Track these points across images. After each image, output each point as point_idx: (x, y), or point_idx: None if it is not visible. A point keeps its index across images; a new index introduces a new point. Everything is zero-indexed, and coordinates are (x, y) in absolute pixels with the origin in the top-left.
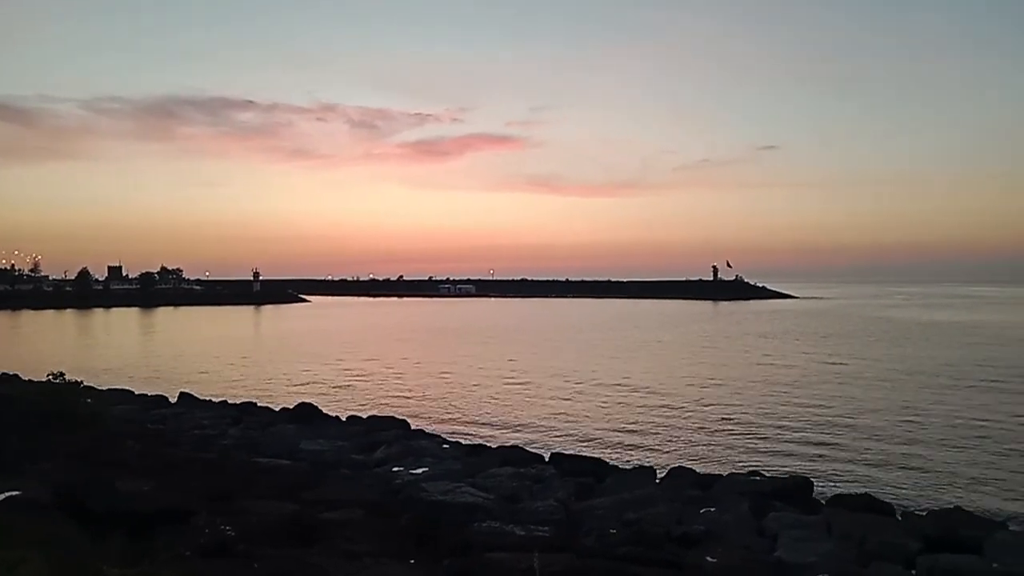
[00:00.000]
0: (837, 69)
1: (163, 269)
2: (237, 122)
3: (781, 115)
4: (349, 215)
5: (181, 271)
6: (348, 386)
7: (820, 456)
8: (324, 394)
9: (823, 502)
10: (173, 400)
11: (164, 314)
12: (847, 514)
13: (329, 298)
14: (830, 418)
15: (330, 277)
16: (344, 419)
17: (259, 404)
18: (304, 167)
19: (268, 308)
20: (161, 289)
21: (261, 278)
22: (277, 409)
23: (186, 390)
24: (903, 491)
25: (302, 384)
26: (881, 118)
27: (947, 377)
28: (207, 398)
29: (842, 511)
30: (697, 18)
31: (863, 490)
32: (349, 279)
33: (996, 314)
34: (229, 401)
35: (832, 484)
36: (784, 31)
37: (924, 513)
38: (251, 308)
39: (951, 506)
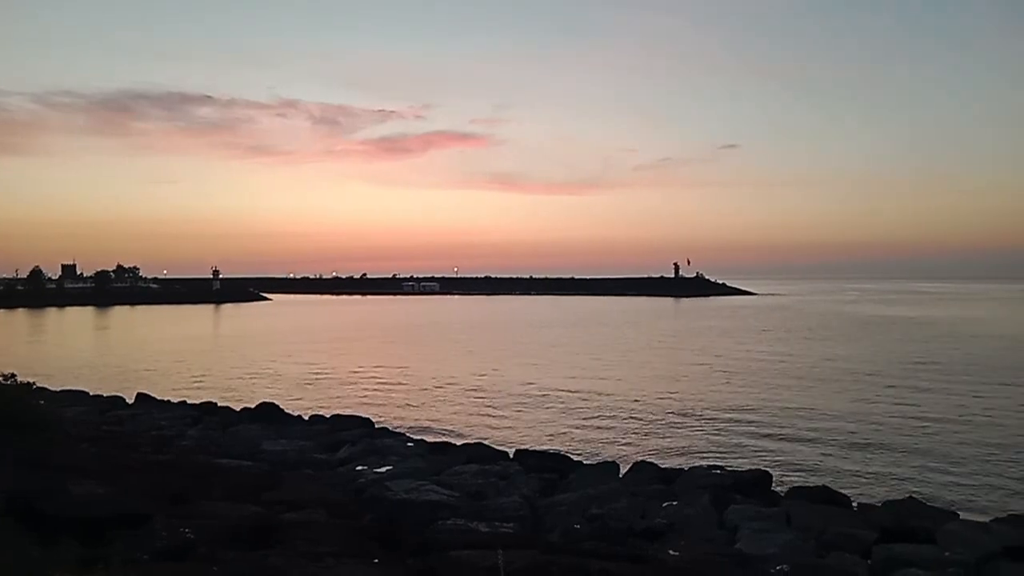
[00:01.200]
0: (795, 70)
1: (119, 267)
2: (194, 117)
3: (741, 115)
4: (311, 212)
5: (138, 269)
6: (311, 385)
7: (779, 449)
8: (286, 393)
9: (782, 494)
10: (130, 401)
11: (120, 313)
12: (805, 506)
13: (291, 296)
14: (788, 412)
15: (292, 275)
16: (307, 419)
17: (219, 404)
18: (264, 163)
19: (228, 307)
20: (117, 288)
21: (221, 276)
22: (238, 409)
23: (143, 391)
24: (859, 483)
25: (264, 384)
26: (838, 119)
27: (900, 372)
28: (165, 399)
29: (800, 503)
30: (659, 18)
31: (820, 482)
32: (312, 277)
33: (947, 310)
34: (188, 401)
35: (791, 477)
36: (744, 32)
37: (879, 504)
38: (211, 307)
39: (905, 497)
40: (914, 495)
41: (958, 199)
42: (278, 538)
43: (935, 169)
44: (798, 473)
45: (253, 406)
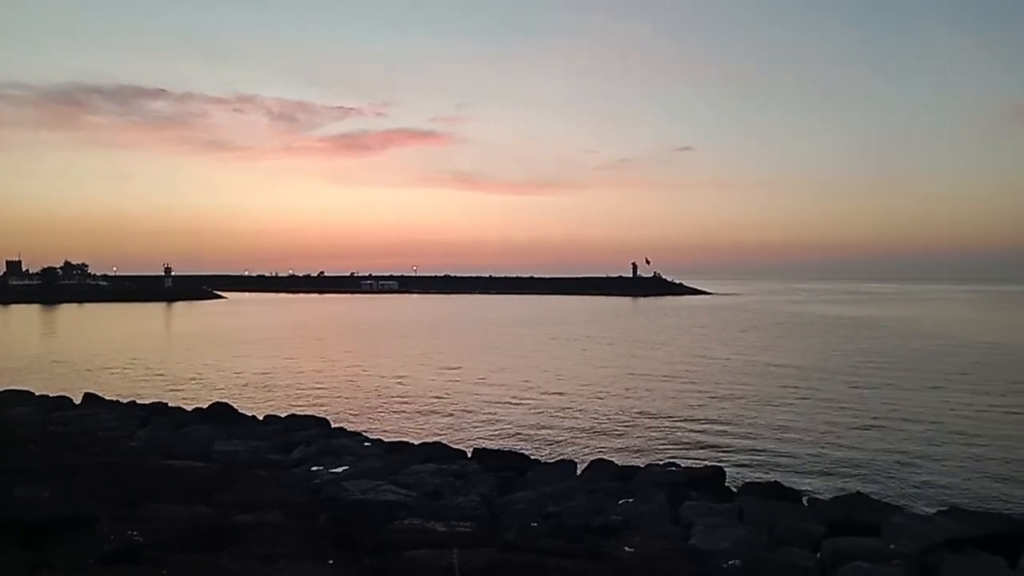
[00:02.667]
0: (750, 75)
1: (67, 264)
2: (148, 111)
3: (696, 118)
4: (268, 209)
5: (87, 266)
6: (266, 385)
7: (732, 446)
8: (240, 393)
9: (735, 490)
10: (77, 401)
11: (68, 311)
12: (757, 501)
13: (247, 294)
14: (741, 409)
15: (247, 273)
16: (261, 418)
17: (170, 404)
18: (220, 159)
19: (181, 305)
20: (64, 285)
21: (173, 274)
22: (190, 409)
23: (91, 390)
24: (809, 478)
25: (217, 383)
26: (791, 123)
27: (846, 370)
28: (114, 398)
29: (753, 498)
30: (619, 21)
31: (772, 478)
32: (268, 275)
33: (892, 310)
34: (138, 402)
35: (744, 473)
36: (701, 38)
37: (828, 499)
38: (162, 305)
39: (852, 492)
40: (861, 490)
41: (906, 203)
42: (231, 540)
43: (884, 173)
44: (751, 469)
45: (205, 406)
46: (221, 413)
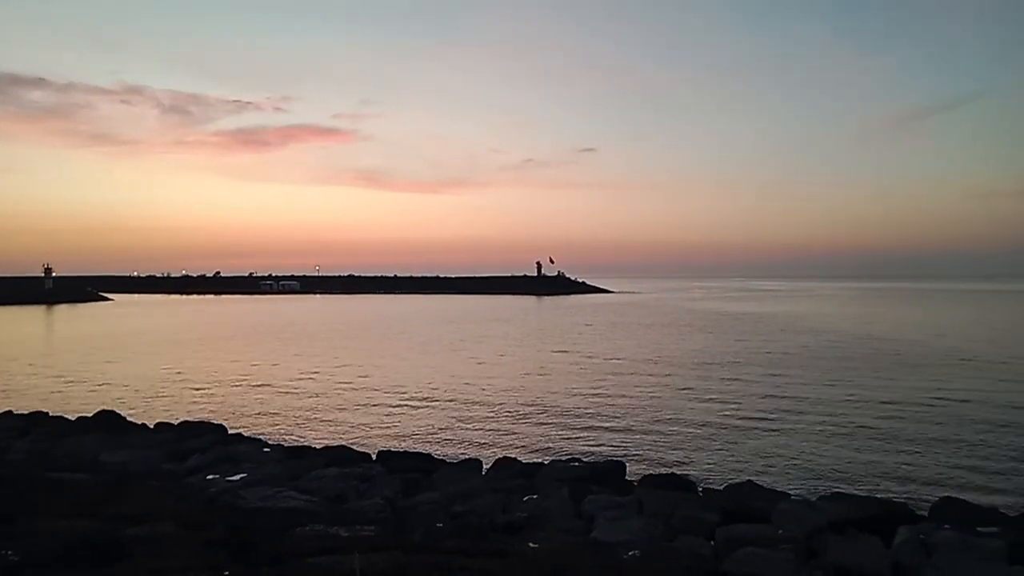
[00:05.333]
0: (651, 80)
1: None
2: (26, 101)
3: (600, 120)
4: (158, 206)
5: None
6: (157, 391)
7: (633, 440)
8: (129, 401)
9: (635, 483)
10: None
11: None
12: (656, 493)
13: (135, 296)
14: (641, 404)
15: (136, 274)
16: (152, 426)
17: (51, 414)
18: (106, 153)
19: (63, 308)
20: None
21: (54, 275)
22: (73, 419)
23: None
24: (703, 469)
25: (103, 391)
26: (689, 127)
27: (738, 363)
28: None
29: (651, 490)
30: (526, 23)
31: (670, 470)
32: (159, 276)
33: (780, 306)
34: (15, 411)
35: (643, 466)
36: (605, 43)
37: (722, 488)
38: (42, 308)
39: (744, 481)
40: (752, 479)
41: (790, 205)
42: (119, 555)
43: (770, 177)
44: (649, 462)
45: (91, 415)
46: (108, 422)
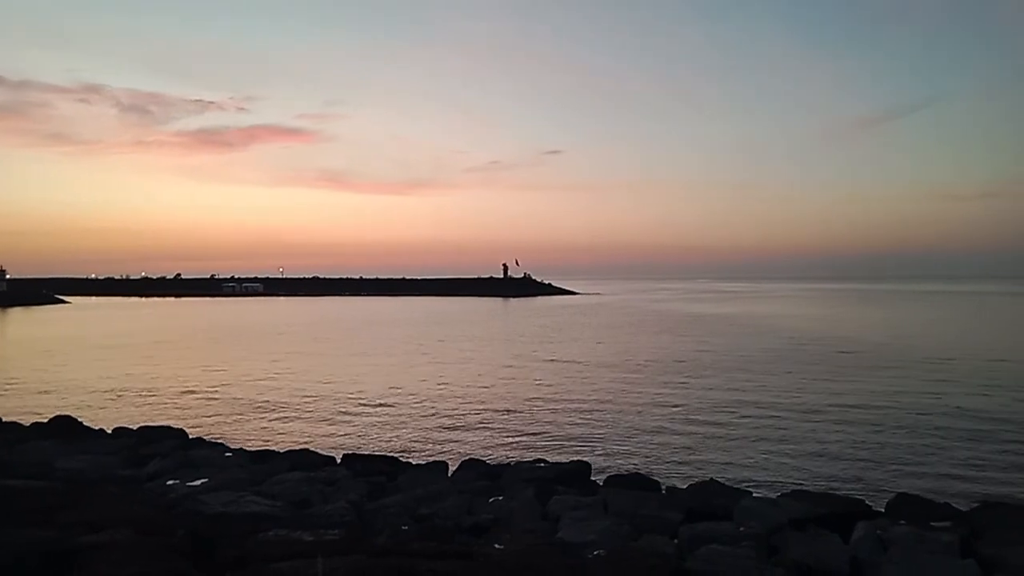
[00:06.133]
0: (616, 82)
1: None
2: None
3: (565, 121)
4: (118, 207)
5: None
6: (115, 396)
7: (598, 441)
8: (86, 406)
9: (600, 483)
10: None
11: None
12: (621, 492)
13: (94, 299)
14: (606, 404)
15: (95, 276)
16: (110, 432)
17: (3, 419)
18: (63, 153)
19: (17, 311)
20: None
21: (8, 277)
22: (27, 424)
23: None
24: (668, 468)
25: (58, 395)
26: (654, 130)
27: (702, 363)
28: None
29: (616, 490)
30: (492, 24)
31: (634, 469)
32: (117, 278)
33: (744, 307)
34: None
35: (608, 466)
36: (571, 45)
37: (685, 487)
38: None
39: (707, 479)
40: (715, 477)
41: (757, 206)
42: (76, 563)
43: (737, 179)
44: (615, 462)
45: (46, 420)
46: (64, 427)
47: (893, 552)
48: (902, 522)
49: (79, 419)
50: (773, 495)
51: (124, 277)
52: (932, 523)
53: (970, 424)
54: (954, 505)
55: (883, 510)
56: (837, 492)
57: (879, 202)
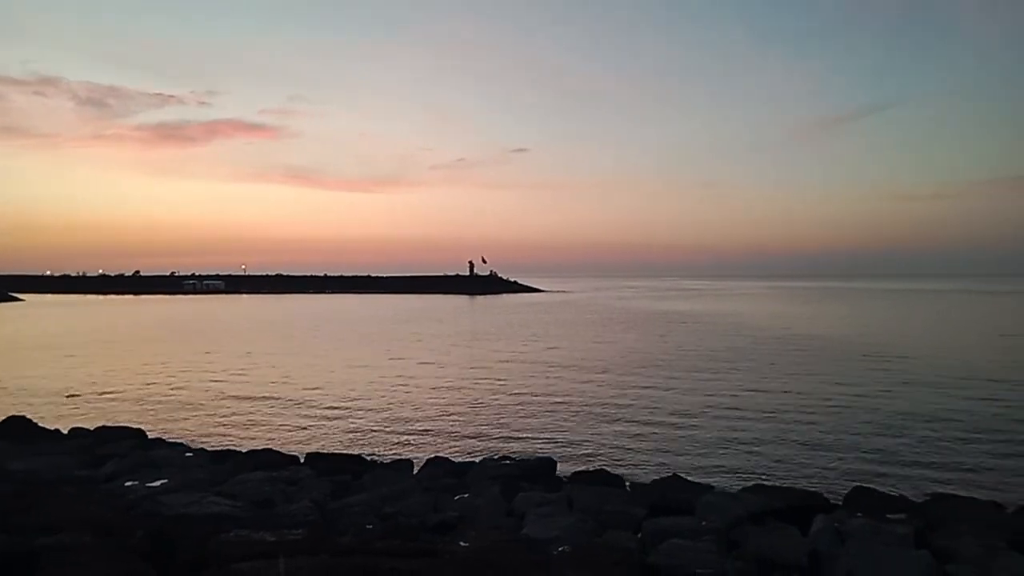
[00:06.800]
0: (583, 81)
1: None
2: None
3: (531, 120)
4: (75, 203)
5: None
6: (71, 396)
7: (563, 438)
8: (41, 407)
9: (565, 479)
10: None
11: None
12: (585, 488)
13: (49, 296)
14: (571, 401)
15: (50, 273)
16: (66, 432)
17: None
18: (17, 147)
19: None
20: None
21: None
22: None
23: None
24: (632, 465)
25: (11, 396)
26: (619, 130)
27: (665, 360)
28: None
29: (581, 486)
30: (459, 22)
31: (599, 466)
32: (74, 275)
33: (708, 304)
34: None
35: (573, 463)
36: (537, 43)
37: (648, 482)
38: None
39: (670, 475)
40: (678, 473)
41: (722, 205)
42: (30, 567)
43: (702, 178)
44: (579, 459)
45: None
46: (17, 428)
47: (850, 544)
48: (859, 515)
49: (33, 419)
50: (734, 489)
51: (81, 274)
52: (888, 515)
53: (925, 419)
54: (909, 498)
55: (841, 503)
56: (796, 486)
57: (840, 202)
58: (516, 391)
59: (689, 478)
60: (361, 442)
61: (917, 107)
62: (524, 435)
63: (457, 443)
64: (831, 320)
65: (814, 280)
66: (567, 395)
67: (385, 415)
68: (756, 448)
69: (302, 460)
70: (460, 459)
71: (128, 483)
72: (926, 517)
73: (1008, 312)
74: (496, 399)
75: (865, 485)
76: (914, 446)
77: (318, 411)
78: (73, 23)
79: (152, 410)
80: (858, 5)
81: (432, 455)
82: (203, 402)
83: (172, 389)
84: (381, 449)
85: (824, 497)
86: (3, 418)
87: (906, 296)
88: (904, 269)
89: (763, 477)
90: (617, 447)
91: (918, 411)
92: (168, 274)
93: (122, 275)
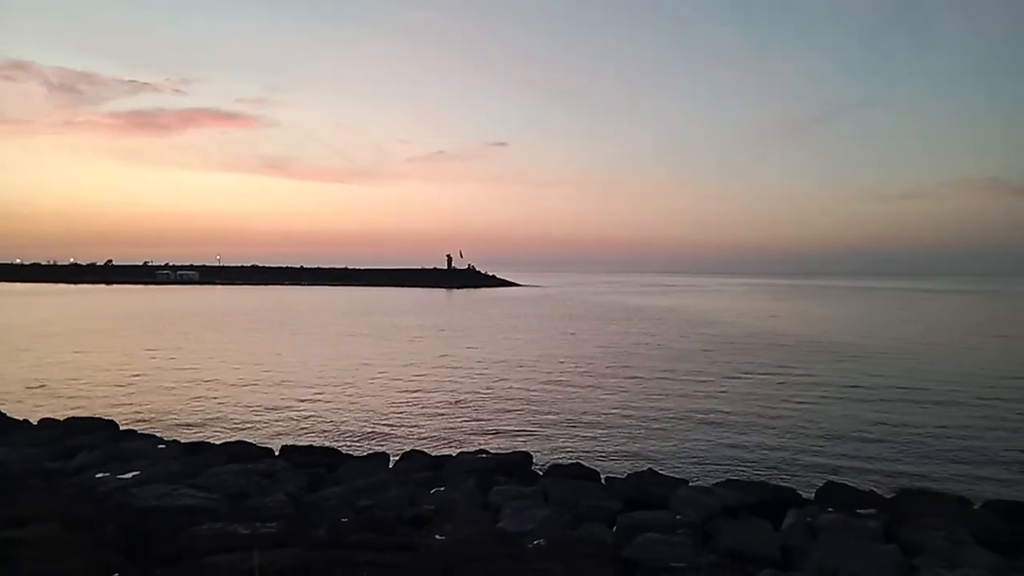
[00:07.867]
0: (561, 78)
1: None
2: None
3: (511, 114)
4: (45, 190)
5: None
6: (41, 386)
7: (539, 431)
8: (9, 397)
9: (541, 473)
10: None
11: None
12: (561, 482)
13: (19, 285)
14: (546, 396)
15: (19, 261)
16: (35, 423)
17: None
18: None
19: None
20: None
21: None
22: None
23: None
24: (607, 458)
25: None
26: (598, 126)
27: (640, 354)
28: None
29: (557, 480)
30: (438, 15)
31: (575, 460)
32: (44, 264)
33: (682, 300)
34: None
35: (549, 456)
36: (518, 39)
37: (624, 477)
38: None
39: (645, 469)
40: (653, 467)
41: (696, 202)
42: (1, 560)
43: (673, 176)
44: (555, 452)
45: None
46: None
47: (821, 538)
48: (830, 509)
49: (1, 410)
50: (709, 484)
51: (52, 263)
52: (858, 510)
53: (894, 414)
54: (879, 493)
55: (812, 498)
56: (769, 481)
57: (809, 201)
58: (492, 385)
59: (664, 472)
60: (337, 435)
61: (888, 109)
62: (500, 429)
63: (433, 437)
64: (803, 317)
65: (787, 278)
66: (543, 389)
67: (361, 408)
68: (731, 443)
69: (277, 452)
70: (436, 452)
71: (99, 475)
72: (895, 512)
73: (975, 311)
74: (472, 393)
75: (836, 480)
76: (884, 441)
77: (293, 403)
78: (44, 7)
79: (124, 401)
80: (831, 7)
81: (408, 448)
82: (176, 393)
83: (144, 380)
84: (357, 442)
85: (796, 492)
86: None
87: (876, 294)
88: (874, 268)
89: (737, 472)
90: (593, 441)
91: (888, 408)
92: (141, 264)
93: (94, 264)
